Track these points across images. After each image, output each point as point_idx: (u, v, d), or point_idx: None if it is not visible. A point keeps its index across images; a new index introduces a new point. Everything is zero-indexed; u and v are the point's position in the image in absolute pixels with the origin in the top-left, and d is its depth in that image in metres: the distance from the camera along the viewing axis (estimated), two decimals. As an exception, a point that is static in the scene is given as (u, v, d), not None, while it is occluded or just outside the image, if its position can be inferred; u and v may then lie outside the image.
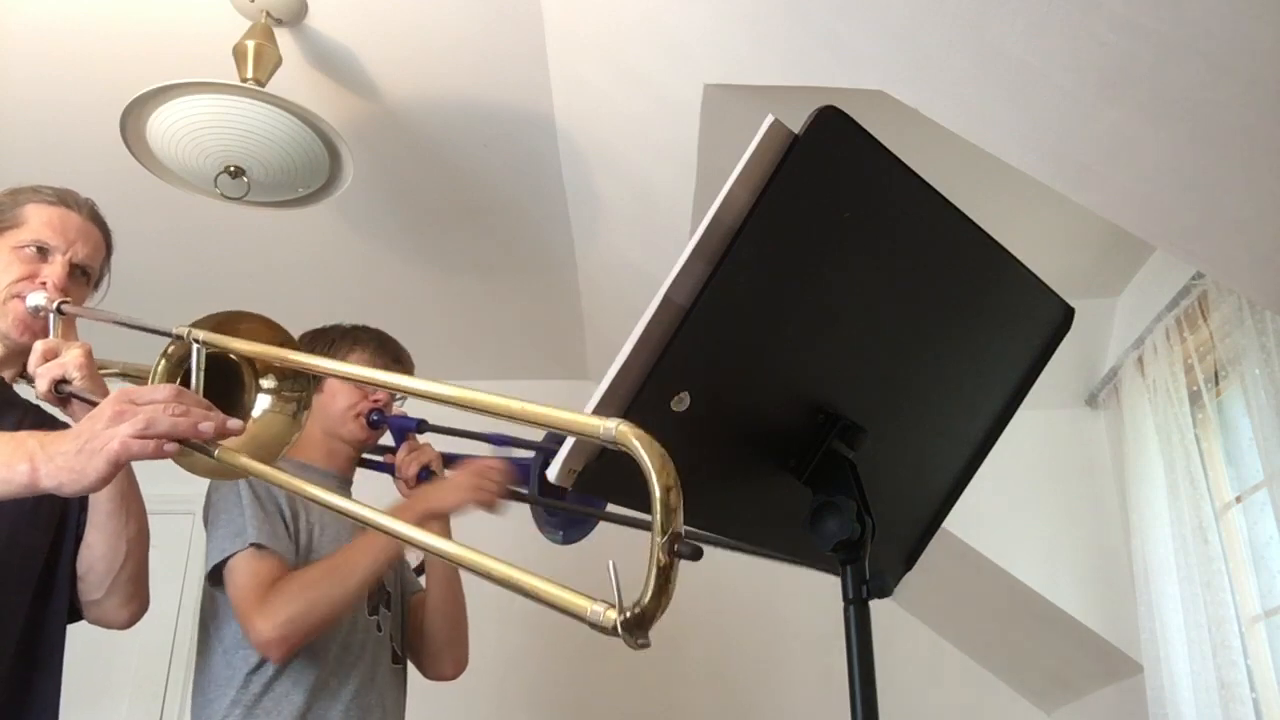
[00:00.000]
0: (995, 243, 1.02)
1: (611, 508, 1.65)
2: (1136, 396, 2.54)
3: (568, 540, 1.86)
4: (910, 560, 1.15)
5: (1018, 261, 1.05)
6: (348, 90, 2.40)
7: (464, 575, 1.94)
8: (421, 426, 1.96)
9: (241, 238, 2.91)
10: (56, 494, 1.14)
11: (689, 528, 0.73)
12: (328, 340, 2.01)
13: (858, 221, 0.94)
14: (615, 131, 2.42)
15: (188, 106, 2.02)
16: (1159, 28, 1.22)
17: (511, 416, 0.80)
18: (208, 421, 1.12)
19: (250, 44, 2.12)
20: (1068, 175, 1.62)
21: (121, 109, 2.03)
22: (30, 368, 1.35)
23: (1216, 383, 2.35)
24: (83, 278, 1.57)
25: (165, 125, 2.06)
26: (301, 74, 2.33)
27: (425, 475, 1.92)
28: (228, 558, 1.70)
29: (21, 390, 1.54)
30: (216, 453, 1.13)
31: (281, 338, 1.31)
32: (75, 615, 1.57)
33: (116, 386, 1.39)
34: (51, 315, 1.45)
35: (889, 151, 0.92)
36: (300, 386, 1.35)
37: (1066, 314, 1.12)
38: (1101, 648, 2.66)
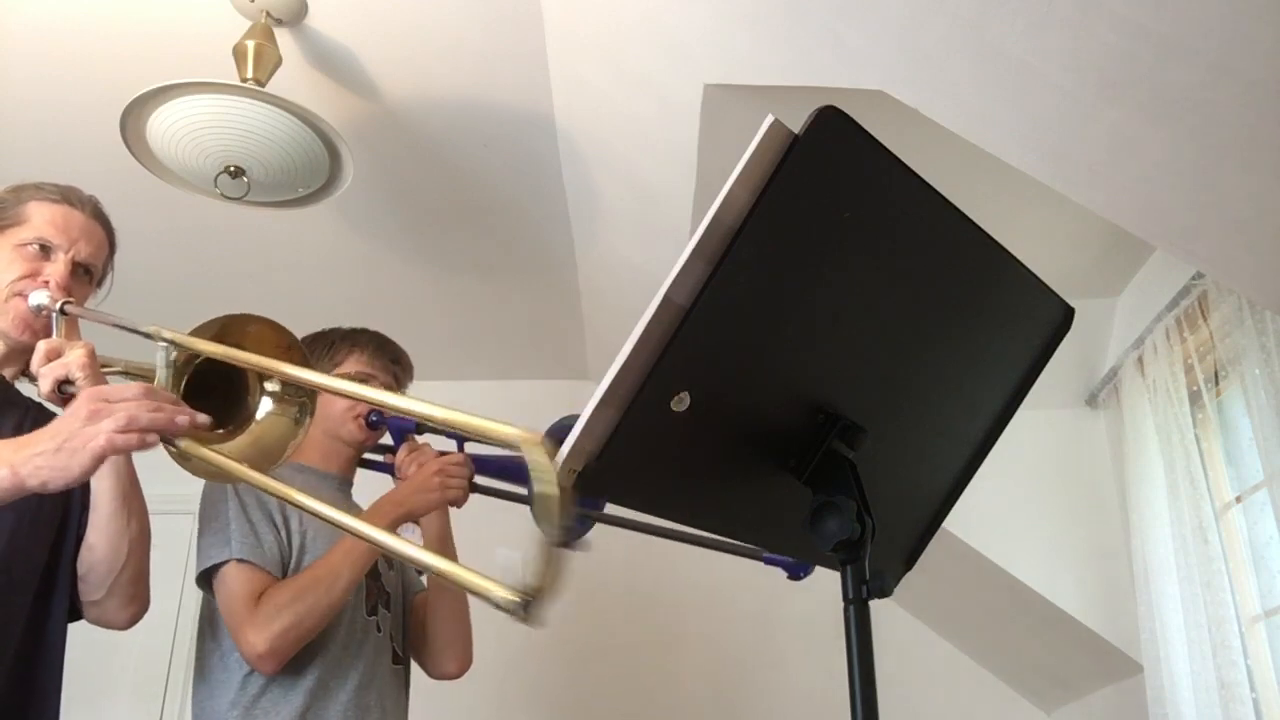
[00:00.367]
0: (995, 243, 1.02)
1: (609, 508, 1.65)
2: (1136, 396, 2.54)
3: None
4: (910, 560, 1.15)
5: (1018, 261, 1.05)
6: (348, 90, 2.40)
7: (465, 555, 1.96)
8: (421, 427, 1.96)
9: (241, 238, 2.91)
10: (42, 492, 1.18)
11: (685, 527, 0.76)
12: (327, 343, 2.01)
13: (858, 221, 0.94)
14: (615, 131, 2.42)
15: (188, 106, 2.02)
16: (1159, 28, 1.22)
17: (430, 419, 0.98)
18: (183, 415, 1.19)
19: (250, 44, 2.12)
20: (1068, 175, 1.62)
21: (121, 109, 2.03)
22: (34, 367, 1.35)
23: (1216, 383, 2.35)
24: (85, 276, 1.56)
25: (165, 125, 2.06)
26: (301, 74, 2.33)
27: None
28: (214, 566, 1.72)
29: (23, 388, 1.54)
30: (182, 444, 1.20)
31: (287, 341, 1.33)
32: (75, 615, 1.56)
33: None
34: (55, 315, 1.45)
35: (889, 151, 0.92)
36: (303, 391, 1.35)
37: (1066, 314, 1.12)
38: (1101, 648, 2.66)
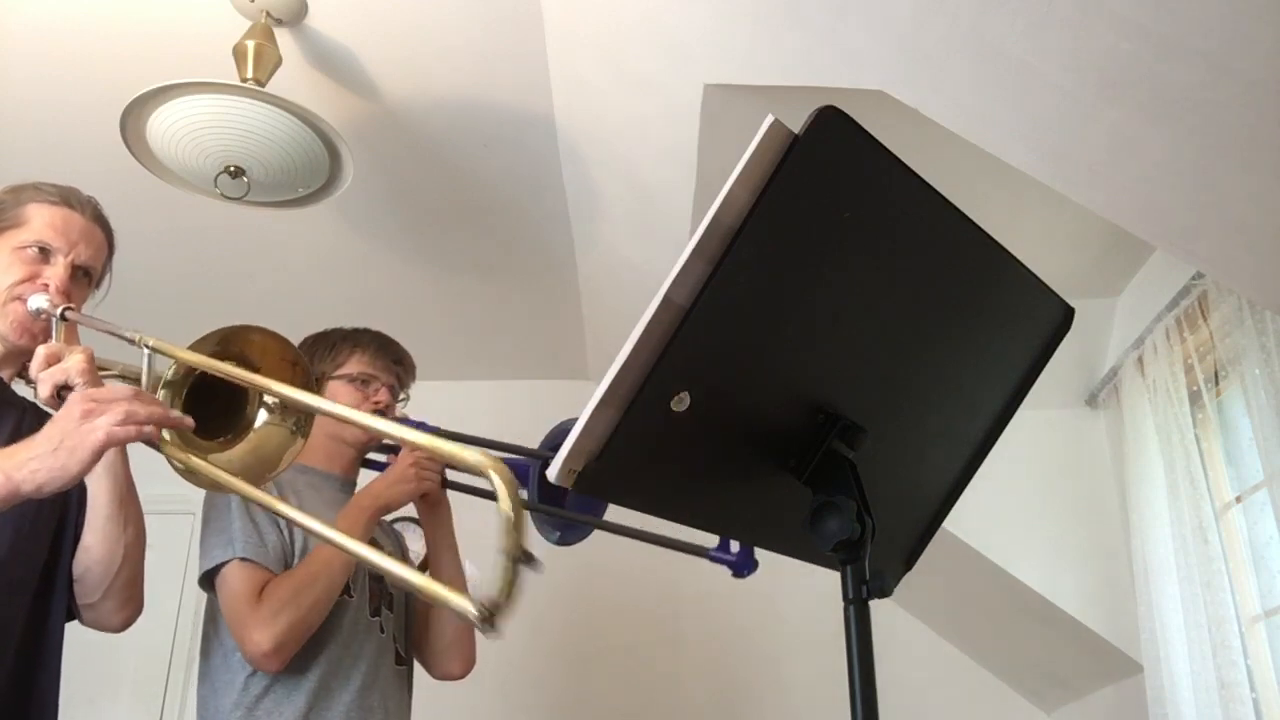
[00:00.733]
0: (995, 243, 1.02)
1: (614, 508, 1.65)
2: (1136, 396, 2.54)
3: (564, 542, 1.86)
4: (910, 560, 1.15)
5: (1018, 261, 1.05)
6: (348, 90, 2.40)
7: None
8: (423, 429, 1.96)
9: (241, 238, 2.91)
10: (38, 496, 1.19)
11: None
12: (328, 344, 2.00)
13: (858, 221, 0.94)
14: (615, 131, 2.42)
15: (188, 106, 2.02)
16: (1159, 28, 1.22)
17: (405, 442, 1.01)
18: (173, 413, 1.24)
19: (250, 44, 2.12)
20: (1068, 175, 1.62)
21: (121, 109, 2.03)
22: (32, 372, 1.35)
23: (1216, 383, 2.35)
24: (84, 278, 1.56)
25: (165, 125, 2.06)
26: (301, 74, 2.33)
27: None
28: (217, 566, 1.72)
29: (20, 389, 1.54)
30: (182, 457, 1.23)
31: (291, 355, 1.34)
32: (69, 616, 1.56)
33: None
34: (54, 320, 1.44)
35: (889, 151, 0.92)
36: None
37: (1066, 314, 1.12)
38: (1101, 648, 2.66)
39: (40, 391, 1.34)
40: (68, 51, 2.30)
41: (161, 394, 1.32)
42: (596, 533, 1.83)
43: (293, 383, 1.30)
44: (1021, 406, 1.14)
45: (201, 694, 1.77)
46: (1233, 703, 2.05)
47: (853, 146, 0.90)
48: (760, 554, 1.70)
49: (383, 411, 1.95)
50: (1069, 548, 2.74)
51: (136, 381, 1.39)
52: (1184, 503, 2.26)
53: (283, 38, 2.22)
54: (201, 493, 1.81)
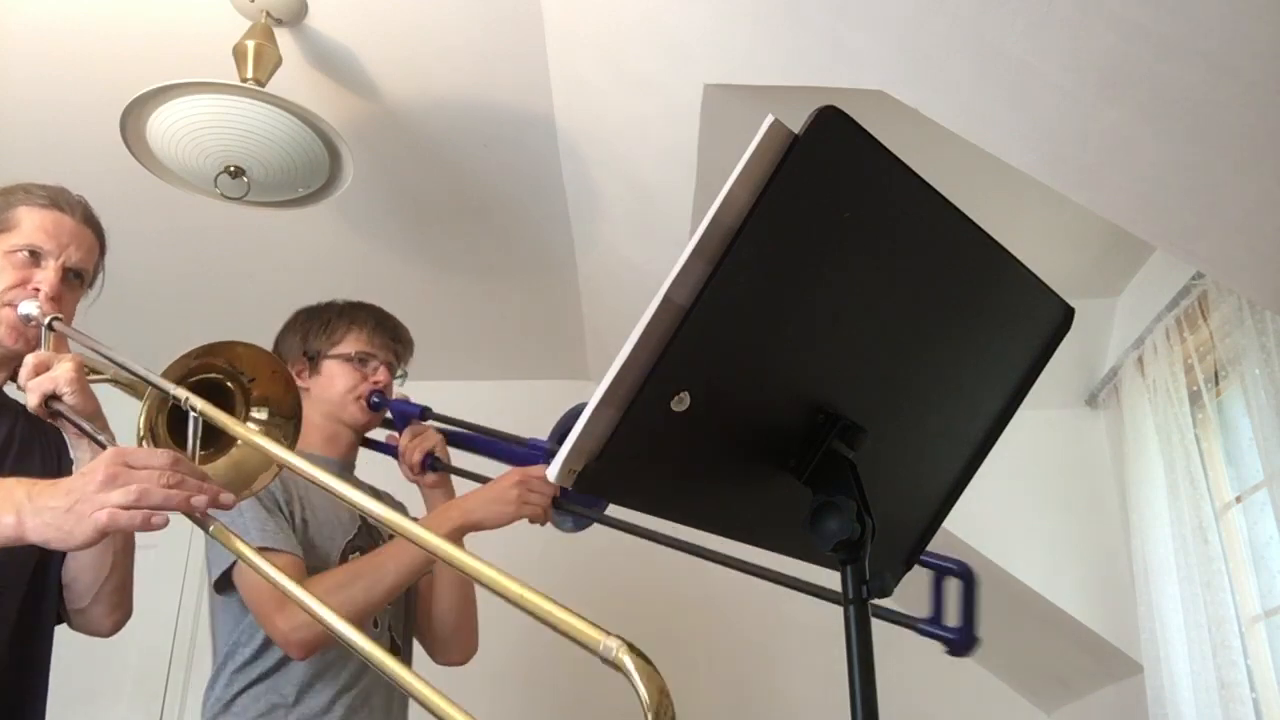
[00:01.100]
0: (995, 243, 1.02)
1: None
2: (1136, 396, 2.54)
3: (577, 528, 1.83)
4: (910, 560, 1.15)
5: (1018, 261, 1.05)
6: (348, 90, 2.40)
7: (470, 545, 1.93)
8: (425, 414, 1.91)
9: (241, 238, 2.91)
10: (44, 547, 1.15)
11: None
12: (323, 321, 1.96)
13: (858, 221, 0.94)
14: (615, 131, 2.42)
15: (188, 106, 2.02)
16: (1159, 28, 1.22)
17: (516, 603, 0.80)
18: (201, 495, 1.12)
19: (250, 44, 2.12)
20: (1068, 175, 1.62)
21: (121, 109, 2.03)
22: (21, 381, 1.34)
23: (1216, 383, 2.35)
24: (76, 280, 1.55)
25: (165, 125, 2.06)
26: (301, 74, 2.33)
27: (430, 461, 1.88)
28: (235, 563, 1.67)
29: (14, 394, 1.53)
30: (211, 529, 1.14)
31: (273, 367, 1.33)
32: (58, 621, 1.56)
33: (107, 394, 1.40)
34: (43, 329, 1.43)
35: (889, 151, 0.92)
36: (288, 418, 1.36)
37: (1066, 314, 1.12)
38: (1101, 648, 2.66)
39: (30, 401, 1.33)
40: (68, 51, 2.30)
41: (144, 406, 1.29)
42: (595, 529, 1.80)
43: (283, 399, 1.31)
44: (1021, 406, 1.14)
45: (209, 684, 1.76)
46: (1233, 703, 2.05)
47: (853, 146, 0.90)
48: (761, 554, 1.69)
49: (382, 393, 1.91)
50: (1069, 548, 2.74)
51: (129, 386, 1.38)
52: (1184, 503, 2.26)
53: (283, 38, 2.22)
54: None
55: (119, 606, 1.56)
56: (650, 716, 0.70)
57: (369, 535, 1.84)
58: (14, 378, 1.47)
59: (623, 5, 2.03)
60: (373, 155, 2.55)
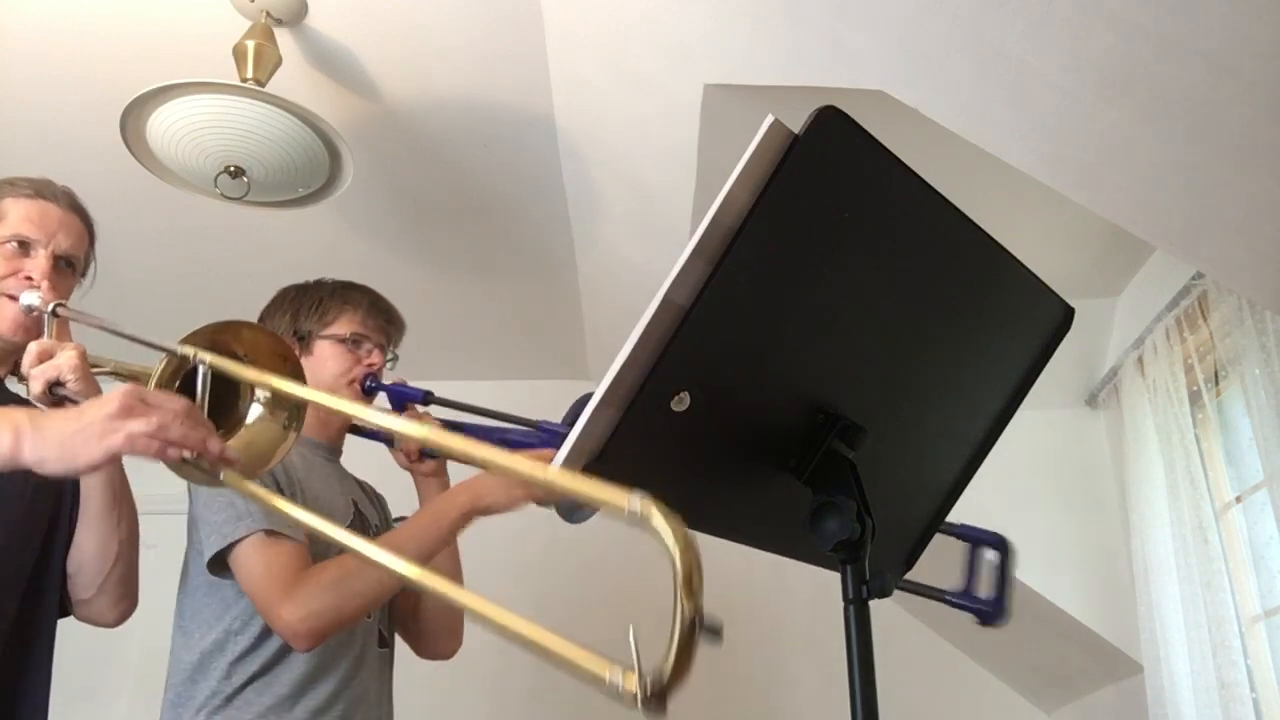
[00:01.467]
0: (995, 243, 1.02)
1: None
2: (1136, 396, 2.54)
3: (578, 519, 1.80)
4: (910, 560, 1.15)
5: (1018, 261, 1.05)
6: (348, 90, 2.40)
7: (463, 547, 1.84)
8: (428, 398, 1.84)
9: (241, 238, 2.91)
10: (37, 470, 1.11)
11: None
12: (314, 300, 1.91)
13: (858, 221, 0.94)
14: (615, 131, 2.42)
15: (188, 106, 2.02)
16: (1159, 28, 1.22)
17: (542, 482, 0.79)
18: (215, 443, 1.12)
19: (250, 44, 2.12)
20: (1068, 175, 1.62)
21: (121, 109, 2.03)
22: (24, 369, 1.34)
23: (1216, 383, 2.35)
24: (68, 269, 1.54)
25: (165, 125, 2.06)
26: (301, 74, 2.33)
27: (429, 450, 1.82)
28: (233, 543, 1.59)
29: (13, 386, 1.53)
30: (223, 476, 1.14)
31: (282, 350, 1.32)
32: (63, 612, 1.56)
33: (109, 386, 1.40)
34: (46, 316, 1.43)
35: (889, 151, 0.92)
36: (294, 397, 1.35)
37: (1066, 314, 1.12)
38: (1101, 648, 2.66)
39: (32, 388, 1.33)
40: (68, 51, 2.30)
41: (150, 389, 1.29)
42: (594, 524, 1.76)
43: (285, 376, 1.28)
44: (1021, 406, 1.14)
45: (170, 678, 1.69)
46: (1233, 703, 2.05)
47: (853, 146, 0.90)
48: (761, 554, 1.69)
49: (376, 376, 1.86)
50: (1069, 548, 2.74)
51: (131, 378, 1.38)
52: (1184, 503, 2.26)
53: (283, 38, 2.22)
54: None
55: (125, 597, 1.56)
56: (679, 559, 0.68)
57: (361, 522, 1.81)
58: (14, 371, 1.47)
59: (623, 5, 2.03)
60: (373, 155, 2.55)
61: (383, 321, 1.92)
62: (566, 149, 2.55)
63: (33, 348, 1.34)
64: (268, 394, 1.34)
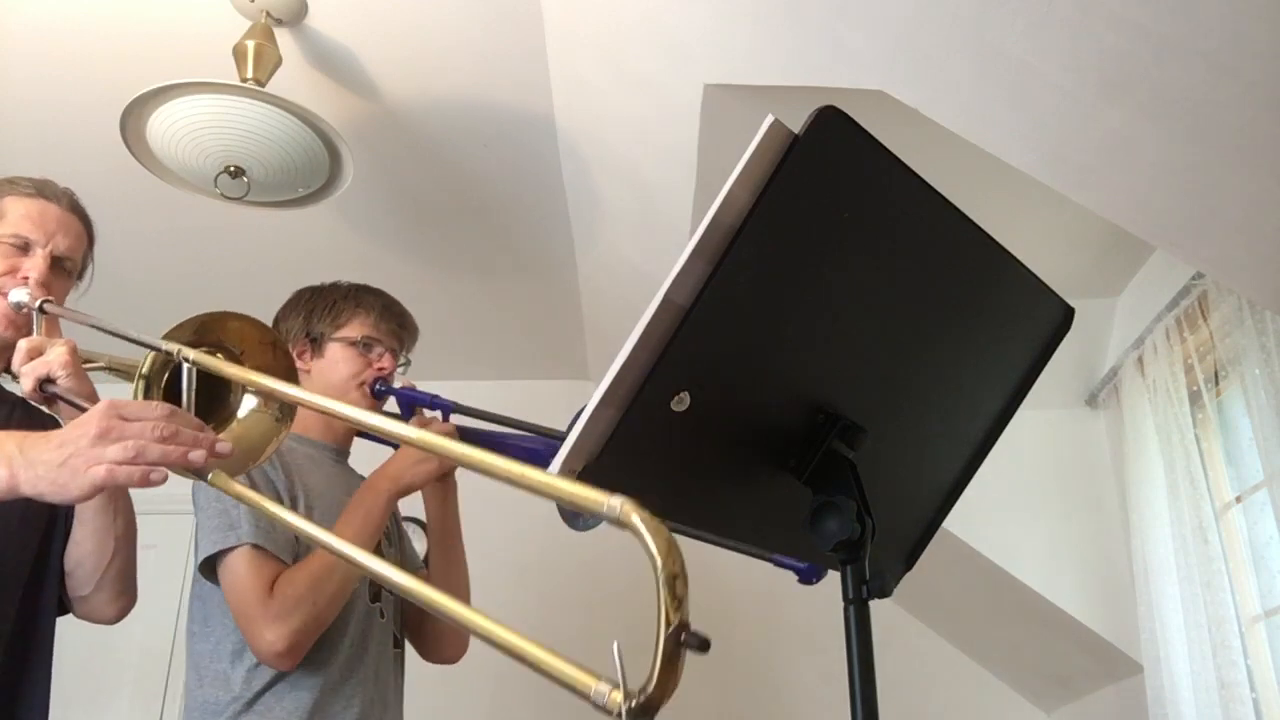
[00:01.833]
0: (995, 243, 1.02)
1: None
2: (1136, 396, 2.54)
3: (585, 527, 1.80)
4: (910, 560, 1.15)
5: (1018, 261, 1.05)
6: (348, 90, 2.40)
7: (470, 544, 1.88)
8: (435, 403, 1.85)
9: (241, 238, 2.91)
10: (37, 500, 1.12)
11: (683, 527, 0.73)
12: (328, 302, 1.91)
13: (858, 221, 0.94)
14: (615, 131, 2.42)
15: (188, 106, 2.02)
16: (1159, 28, 1.22)
17: (519, 485, 0.77)
18: (198, 449, 1.10)
19: (250, 44, 2.12)
20: (1068, 175, 1.62)
21: (121, 109, 2.03)
22: (14, 366, 1.34)
23: (1216, 383, 2.35)
24: (65, 270, 1.54)
25: (165, 125, 2.06)
26: (301, 74, 2.33)
27: None
28: (221, 552, 1.60)
29: (8, 384, 1.53)
30: (210, 477, 1.12)
31: (270, 338, 1.30)
32: (62, 609, 1.56)
33: (102, 381, 1.40)
34: (35, 313, 1.43)
35: (889, 151, 0.92)
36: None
37: (1066, 314, 1.12)
38: (1101, 648, 2.66)
39: (23, 385, 1.33)
40: (68, 51, 2.30)
41: (138, 385, 1.28)
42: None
43: (274, 365, 1.26)
44: (1021, 406, 1.14)
45: (189, 683, 1.68)
46: (1233, 703, 2.05)
47: (853, 146, 0.90)
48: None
49: (386, 380, 1.86)
50: (1069, 548, 2.74)
51: (124, 372, 1.38)
52: (1184, 503, 2.26)
53: (283, 38, 2.22)
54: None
55: (123, 593, 1.55)
56: (660, 565, 0.65)
57: None
58: (6, 369, 1.47)
59: (623, 5, 2.03)
60: (373, 155, 2.55)
61: (395, 326, 1.92)
62: (566, 149, 2.55)
63: (22, 345, 1.34)
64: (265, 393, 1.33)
